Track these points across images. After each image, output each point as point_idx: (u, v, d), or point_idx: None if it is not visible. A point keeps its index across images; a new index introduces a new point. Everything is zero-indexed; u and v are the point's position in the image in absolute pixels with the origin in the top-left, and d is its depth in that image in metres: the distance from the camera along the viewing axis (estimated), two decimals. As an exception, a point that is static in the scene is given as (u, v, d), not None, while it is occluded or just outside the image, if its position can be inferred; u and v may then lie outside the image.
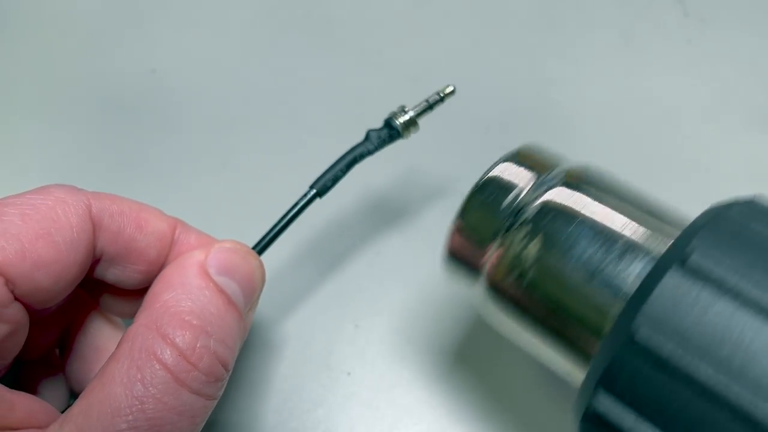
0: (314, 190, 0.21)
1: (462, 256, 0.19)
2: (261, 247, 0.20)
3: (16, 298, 0.16)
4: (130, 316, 0.20)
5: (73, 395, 0.21)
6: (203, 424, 0.16)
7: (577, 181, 0.18)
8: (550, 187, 0.18)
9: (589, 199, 0.18)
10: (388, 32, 0.34)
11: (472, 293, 0.20)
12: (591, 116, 0.31)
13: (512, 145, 0.20)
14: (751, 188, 0.28)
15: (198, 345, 0.16)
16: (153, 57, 0.33)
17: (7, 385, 0.16)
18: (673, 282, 0.14)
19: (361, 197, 0.28)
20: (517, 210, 0.18)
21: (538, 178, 0.19)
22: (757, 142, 0.30)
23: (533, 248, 0.17)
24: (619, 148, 0.30)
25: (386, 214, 0.28)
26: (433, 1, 0.35)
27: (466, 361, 0.24)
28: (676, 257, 0.15)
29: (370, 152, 0.22)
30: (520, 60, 0.33)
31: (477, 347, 0.24)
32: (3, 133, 0.30)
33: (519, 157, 0.19)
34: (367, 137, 0.22)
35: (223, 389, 0.17)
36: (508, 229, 0.18)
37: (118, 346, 0.16)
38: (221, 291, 0.17)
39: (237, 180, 0.29)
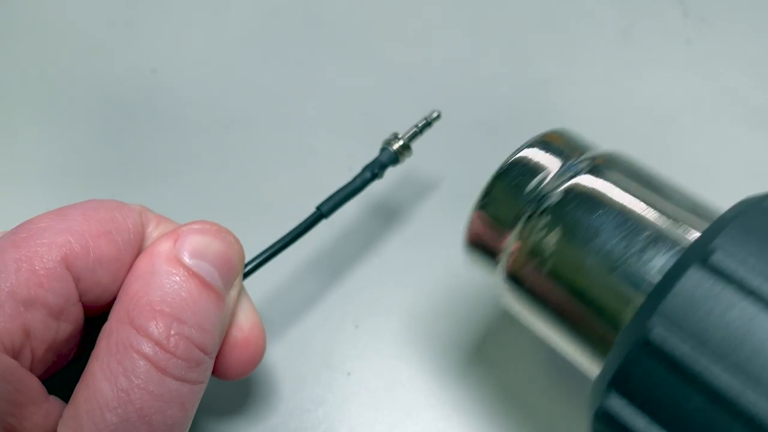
0: (320, 211, 0.22)
1: (482, 242, 0.19)
2: (262, 260, 0.21)
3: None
4: None
5: None
6: (195, 410, 0.16)
7: (604, 168, 0.18)
8: (576, 174, 0.17)
9: (614, 188, 0.17)
10: (388, 32, 0.34)
11: (492, 281, 0.19)
12: (590, 116, 0.31)
13: (513, 146, 0.20)
14: (751, 188, 0.28)
15: (172, 333, 0.15)
16: (153, 57, 0.33)
17: None
18: (692, 281, 0.13)
19: (361, 199, 0.28)
20: (541, 196, 0.17)
21: (564, 164, 0.18)
22: (757, 142, 0.30)
23: (553, 237, 0.17)
24: (619, 148, 0.30)
25: (386, 215, 0.28)
26: (433, 1, 0.35)
27: (467, 361, 0.24)
28: (698, 254, 0.14)
29: (375, 177, 0.23)
30: (519, 60, 0.33)
31: (477, 347, 0.24)
32: (3, 133, 0.30)
33: (545, 142, 0.18)
34: (373, 166, 0.23)
35: (208, 372, 0.17)
36: (529, 216, 0.17)
37: (96, 345, 0.16)
38: (194, 274, 0.16)
39: (237, 180, 0.29)
